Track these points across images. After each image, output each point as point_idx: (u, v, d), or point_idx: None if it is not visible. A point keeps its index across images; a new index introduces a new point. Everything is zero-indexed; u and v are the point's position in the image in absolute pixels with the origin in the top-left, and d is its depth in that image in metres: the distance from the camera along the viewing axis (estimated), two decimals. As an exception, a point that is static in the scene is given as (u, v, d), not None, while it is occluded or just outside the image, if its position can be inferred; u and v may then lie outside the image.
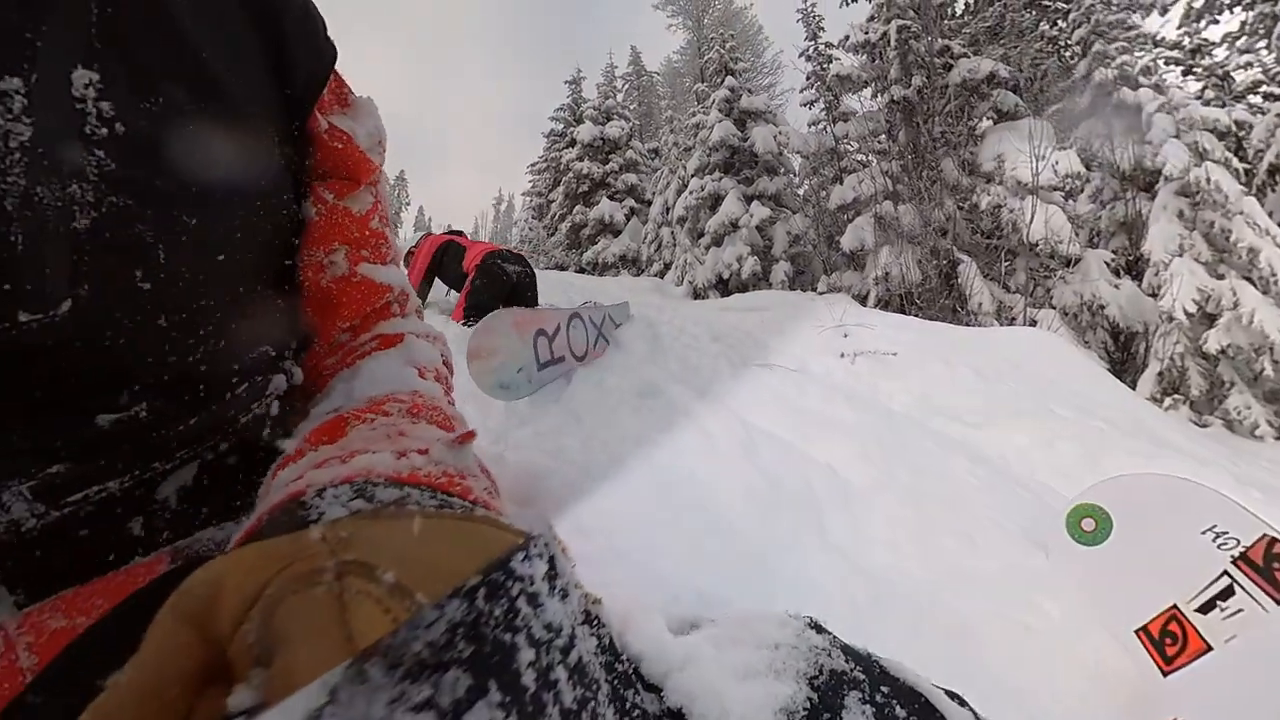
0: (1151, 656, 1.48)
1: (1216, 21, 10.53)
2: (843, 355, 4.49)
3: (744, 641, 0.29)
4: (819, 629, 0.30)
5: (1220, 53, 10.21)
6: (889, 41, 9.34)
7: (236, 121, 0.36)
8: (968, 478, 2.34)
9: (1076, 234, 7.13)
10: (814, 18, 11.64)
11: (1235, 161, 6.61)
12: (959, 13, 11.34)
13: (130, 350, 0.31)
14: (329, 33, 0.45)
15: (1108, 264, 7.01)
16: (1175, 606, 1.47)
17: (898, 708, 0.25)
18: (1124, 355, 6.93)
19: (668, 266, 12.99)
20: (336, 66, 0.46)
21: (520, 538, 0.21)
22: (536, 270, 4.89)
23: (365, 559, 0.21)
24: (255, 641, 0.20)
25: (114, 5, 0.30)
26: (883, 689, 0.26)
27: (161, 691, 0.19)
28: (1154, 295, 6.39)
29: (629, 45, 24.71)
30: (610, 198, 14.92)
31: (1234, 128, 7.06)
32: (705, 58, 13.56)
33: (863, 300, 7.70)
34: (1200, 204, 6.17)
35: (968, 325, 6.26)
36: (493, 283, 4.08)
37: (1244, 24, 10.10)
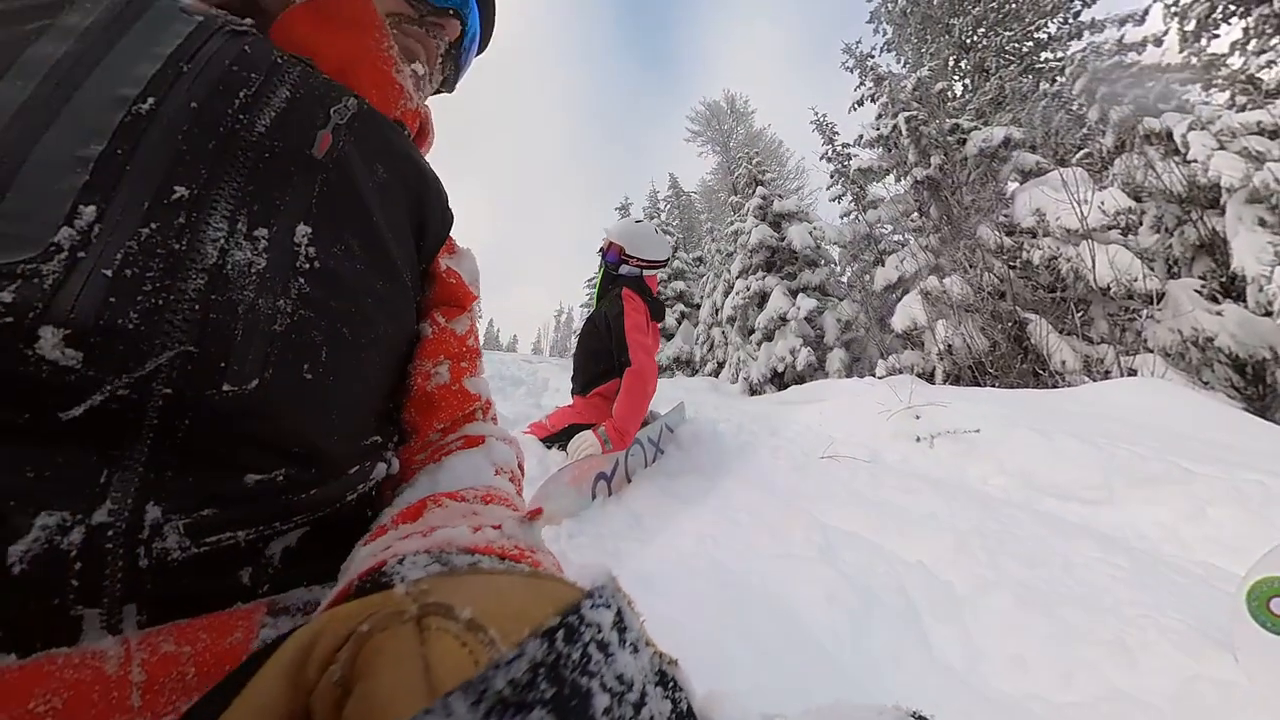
0: None
1: (1217, 36, 10.38)
2: (918, 439, 4.13)
3: None
4: None
5: (1235, 61, 9.91)
6: (900, 132, 9.81)
7: (388, 264, 0.50)
8: (1102, 568, 1.96)
9: (1150, 268, 6.59)
10: (827, 125, 12.53)
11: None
12: (959, 93, 11.88)
13: (287, 424, 0.40)
14: (449, 203, 0.65)
15: (1199, 292, 6.34)
16: None
17: None
18: (1258, 390, 5.95)
19: (721, 365, 13.02)
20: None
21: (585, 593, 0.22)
22: None
23: (444, 601, 0.23)
24: (340, 678, 0.22)
25: (330, 186, 0.45)
26: None
27: None
28: (1268, 314, 5.64)
29: (668, 172, 27.69)
30: None
31: (1270, 125, 6.62)
32: (735, 174, 14.70)
33: (929, 378, 7.26)
34: (1279, 206, 5.62)
35: (1054, 387, 5.70)
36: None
37: (1247, 30, 9.85)
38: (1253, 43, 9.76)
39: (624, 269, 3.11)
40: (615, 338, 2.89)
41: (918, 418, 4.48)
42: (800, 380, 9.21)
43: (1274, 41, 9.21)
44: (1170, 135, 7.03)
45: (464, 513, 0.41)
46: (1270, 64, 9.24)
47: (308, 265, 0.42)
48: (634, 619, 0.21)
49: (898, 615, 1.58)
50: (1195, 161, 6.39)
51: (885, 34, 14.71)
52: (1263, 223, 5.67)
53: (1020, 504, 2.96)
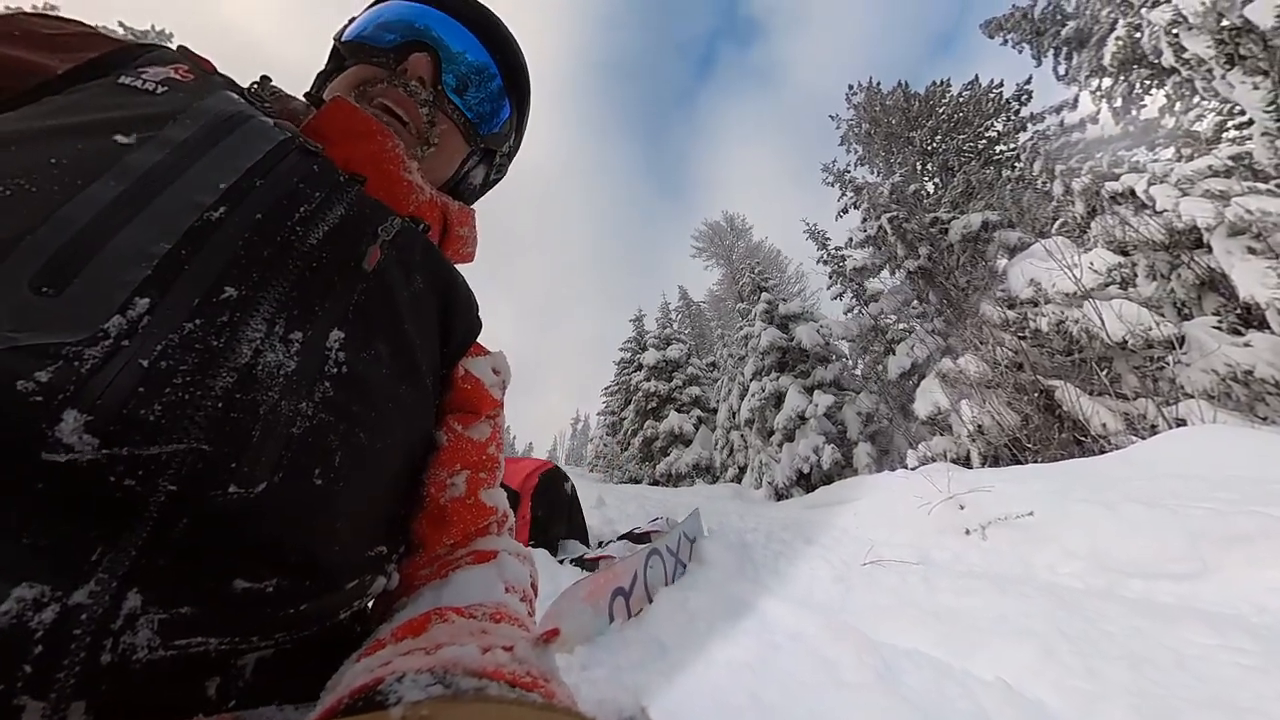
0: None
1: (1144, 105, 11.46)
2: (968, 531, 3.75)
3: None
4: None
5: (1168, 121, 10.88)
6: (886, 231, 10.36)
7: (414, 370, 0.51)
8: (1223, 655, 1.61)
9: (1161, 314, 6.46)
10: (819, 232, 13.32)
11: (1260, 185, 6.26)
12: (932, 191, 12.74)
13: (288, 531, 0.38)
14: (479, 312, 0.66)
15: (1218, 328, 6.12)
16: None
17: None
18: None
19: (743, 470, 12.57)
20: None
21: None
22: (611, 484, 4.61)
23: None
24: None
25: (368, 295, 0.47)
26: None
27: None
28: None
29: (677, 285, 29.56)
30: (678, 410, 15.60)
31: (1231, 162, 6.89)
32: (740, 283, 15.48)
33: (964, 462, 6.84)
34: (1263, 233, 5.60)
35: (1101, 453, 5.28)
36: (556, 511, 3.61)
37: (1169, 96, 10.89)
38: (1178, 105, 10.74)
39: None
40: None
41: (962, 507, 4.09)
42: (828, 480, 8.73)
43: (1195, 100, 10.08)
44: (1134, 193, 7.33)
45: (472, 630, 0.38)
46: (1199, 118, 10.19)
47: (335, 369, 0.42)
48: None
49: (986, 753, 1.26)
50: (1166, 211, 6.58)
51: (856, 152, 16.21)
52: (1253, 251, 5.66)
53: (1102, 592, 2.58)
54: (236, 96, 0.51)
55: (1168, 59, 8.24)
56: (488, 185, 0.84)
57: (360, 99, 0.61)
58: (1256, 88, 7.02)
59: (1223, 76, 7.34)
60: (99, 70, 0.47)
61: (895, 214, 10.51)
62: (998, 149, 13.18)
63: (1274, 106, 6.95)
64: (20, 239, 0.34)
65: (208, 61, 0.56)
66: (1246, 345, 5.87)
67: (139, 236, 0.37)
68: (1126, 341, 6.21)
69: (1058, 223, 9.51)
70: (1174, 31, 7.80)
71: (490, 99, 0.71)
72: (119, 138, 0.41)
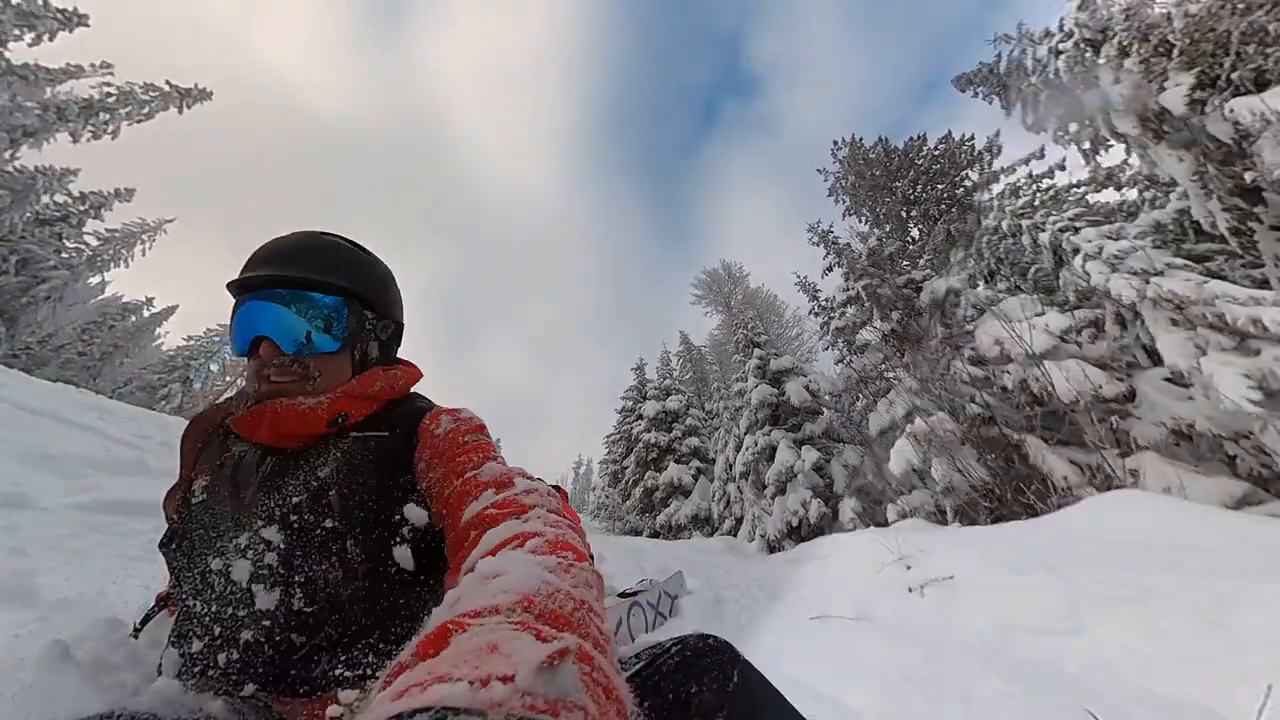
0: None
1: (1111, 146, 12.24)
2: (910, 589, 4.22)
3: None
4: None
5: (1134, 160, 11.43)
6: (862, 297, 11.04)
7: (358, 529, 0.78)
8: (1050, 712, 2.11)
9: (1126, 371, 6.93)
10: (809, 285, 14.05)
11: (1177, 261, 6.91)
12: (917, 237, 13.43)
13: (292, 628, 0.74)
14: (415, 416, 0.89)
15: (1169, 380, 6.58)
16: None
17: None
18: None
19: (739, 521, 12.86)
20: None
21: None
22: (612, 536, 4.66)
23: None
24: None
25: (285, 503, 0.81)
26: None
27: None
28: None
29: (678, 330, 29.89)
30: (677, 461, 15.86)
31: (1156, 232, 7.65)
32: (736, 335, 16.09)
33: (940, 516, 7.25)
34: (1181, 306, 6.19)
35: (1059, 508, 5.69)
36: None
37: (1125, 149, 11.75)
38: (1133, 154, 11.57)
39: None
40: None
41: (909, 567, 4.55)
42: (817, 532, 9.09)
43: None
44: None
45: (476, 650, 0.32)
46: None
47: (276, 560, 0.77)
48: None
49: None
50: (1097, 288, 7.18)
51: (844, 202, 17.24)
52: (1175, 322, 6.23)
53: (993, 648, 3.06)
54: None
55: (1104, 133, 9.07)
56: (389, 343, 1.01)
57: (260, 381, 0.85)
58: (1181, 160, 7.76)
59: (1151, 150, 8.11)
60: None
61: (869, 282, 11.14)
62: (974, 199, 13.97)
63: (1198, 176, 7.65)
64: None
65: None
66: (1189, 399, 6.34)
67: None
68: (1079, 401, 6.70)
69: (1033, 269, 10.17)
70: (1106, 113, 8.64)
71: (315, 315, 0.86)
72: None
